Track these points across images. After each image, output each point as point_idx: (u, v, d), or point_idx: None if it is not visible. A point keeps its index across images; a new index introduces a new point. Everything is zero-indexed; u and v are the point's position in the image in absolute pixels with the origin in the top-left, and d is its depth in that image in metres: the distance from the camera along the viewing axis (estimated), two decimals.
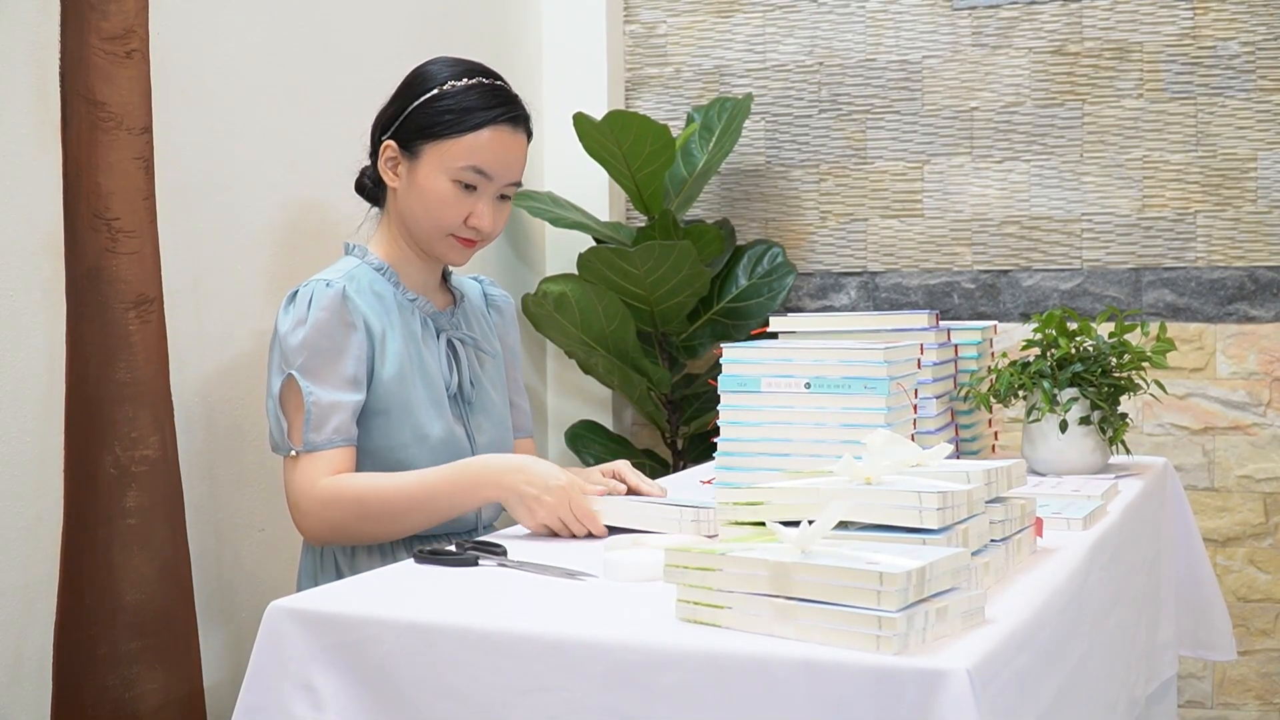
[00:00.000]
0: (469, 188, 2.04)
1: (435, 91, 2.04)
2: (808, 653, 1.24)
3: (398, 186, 2.08)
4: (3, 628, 1.95)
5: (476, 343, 2.16)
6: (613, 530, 1.81)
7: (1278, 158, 3.11)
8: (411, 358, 2.05)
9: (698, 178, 3.28)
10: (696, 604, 1.35)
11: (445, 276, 2.21)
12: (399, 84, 2.11)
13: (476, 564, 1.65)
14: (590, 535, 1.80)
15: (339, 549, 2.04)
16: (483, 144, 2.03)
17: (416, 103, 2.05)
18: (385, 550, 2.03)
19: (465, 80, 2.05)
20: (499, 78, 2.10)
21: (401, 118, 2.06)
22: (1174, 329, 3.13)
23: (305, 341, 1.96)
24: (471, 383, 2.13)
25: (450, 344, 2.12)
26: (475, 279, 2.31)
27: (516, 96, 2.10)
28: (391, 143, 2.07)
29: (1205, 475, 3.17)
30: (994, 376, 2.25)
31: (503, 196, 2.09)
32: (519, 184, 2.10)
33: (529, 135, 2.11)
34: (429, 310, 2.11)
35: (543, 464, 1.85)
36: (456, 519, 2.06)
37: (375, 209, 2.18)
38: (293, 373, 1.96)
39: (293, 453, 1.95)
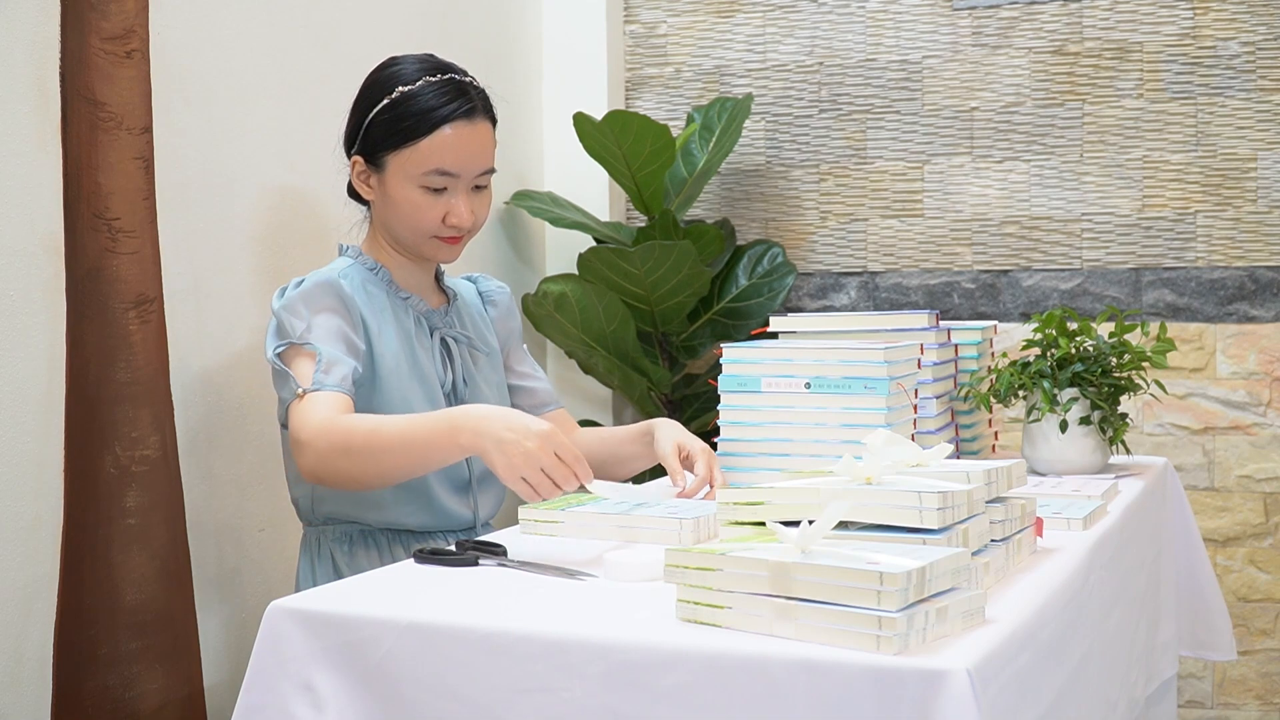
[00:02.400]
0: (439, 190, 2.03)
1: (386, 101, 2.02)
2: (808, 653, 1.24)
3: (373, 199, 2.08)
4: (3, 628, 1.95)
5: (470, 341, 2.16)
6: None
7: (1278, 158, 3.11)
8: (405, 355, 2.05)
9: (698, 178, 3.28)
10: (696, 604, 1.35)
11: (438, 276, 2.21)
12: (355, 95, 2.10)
13: (476, 564, 1.65)
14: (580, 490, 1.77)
15: (336, 545, 2.04)
16: (441, 145, 2.01)
17: (370, 115, 2.04)
18: (383, 549, 2.03)
19: (412, 85, 2.02)
20: (450, 70, 2.07)
21: (361, 132, 2.05)
22: (1174, 329, 3.13)
23: (303, 315, 1.95)
24: (465, 380, 2.13)
25: (444, 342, 2.12)
26: (469, 278, 2.30)
27: (468, 86, 2.05)
28: (358, 158, 2.07)
29: (1205, 475, 3.17)
30: (994, 376, 2.25)
31: (478, 186, 2.07)
32: (492, 170, 2.08)
33: (493, 120, 2.08)
34: (422, 309, 2.11)
35: (525, 415, 1.78)
36: (455, 517, 2.06)
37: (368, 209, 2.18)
38: (293, 341, 1.94)
39: (300, 391, 1.89)
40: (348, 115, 2.10)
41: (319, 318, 1.96)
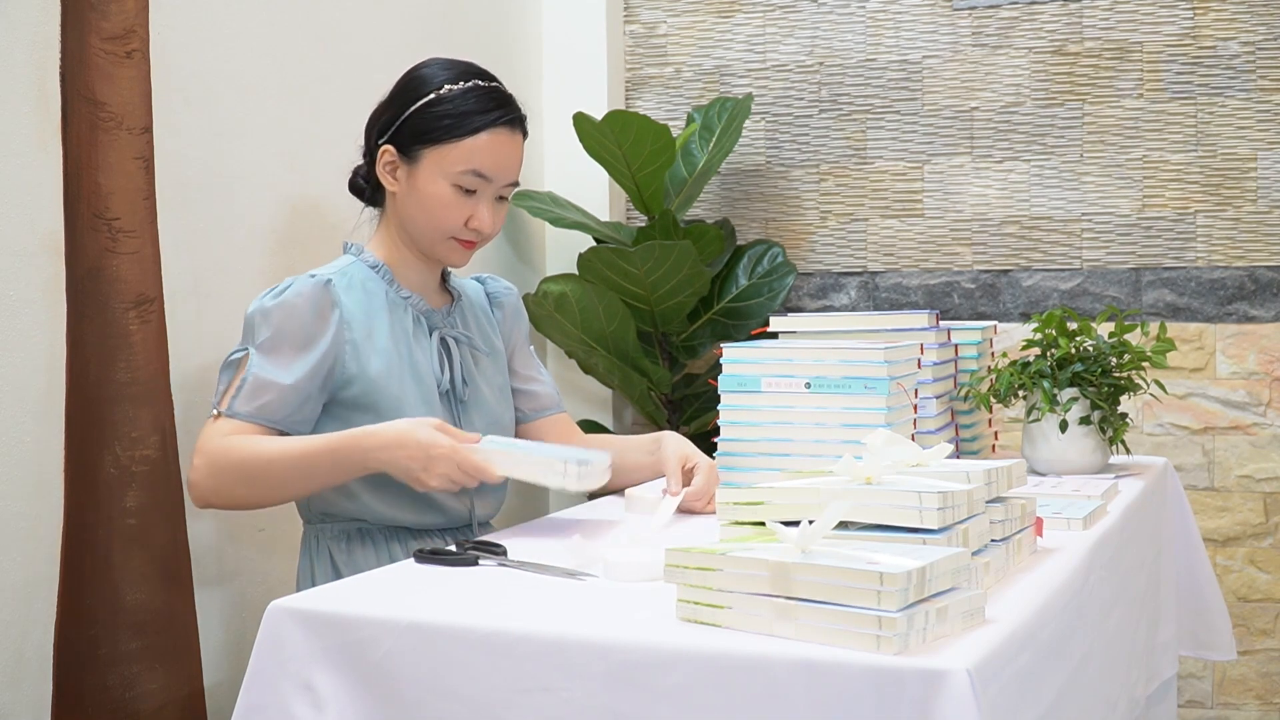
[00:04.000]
0: (469, 191, 2.04)
1: (432, 96, 2.04)
2: (808, 653, 1.24)
3: (397, 191, 2.08)
4: (3, 628, 1.95)
5: (471, 340, 2.16)
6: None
7: (1278, 158, 3.11)
8: (401, 354, 2.05)
9: (698, 178, 3.28)
10: (697, 604, 1.35)
11: (444, 277, 2.21)
12: (393, 87, 2.11)
13: (476, 564, 1.65)
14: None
15: (334, 543, 2.04)
16: (481, 148, 2.03)
17: (413, 108, 2.04)
18: (380, 547, 2.03)
19: (461, 84, 2.05)
20: (494, 79, 2.10)
21: (398, 123, 2.06)
22: (1174, 329, 3.13)
23: (269, 321, 1.97)
24: (465, 380, 2.13)
25: (443, 341, 2.12)
26: (478, 279, 2.30)
27: (512, 97, 2.10)
28: (389, 147, 2.07)
29: (1205, 475, 3.17)
30: (994, 376, 2.25)
31: (500, 197, 2.10)
32: (516, 184, 2.11)
33: (525, 135, 2.12)
34: (422, 308, 2.11)
35: (420, 431, 1.86)
36: (448, 512, 2.06)
37: (370, 209, 2.18)
38: (249, 348, 1.97)
39: (215, 412, 1.95)
40: (379, 106, 2.11)
41: (285, 324, 1.97)
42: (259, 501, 1.98)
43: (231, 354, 1.98)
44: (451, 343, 2.13)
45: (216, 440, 1.92)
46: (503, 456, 1.85)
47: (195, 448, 1.94)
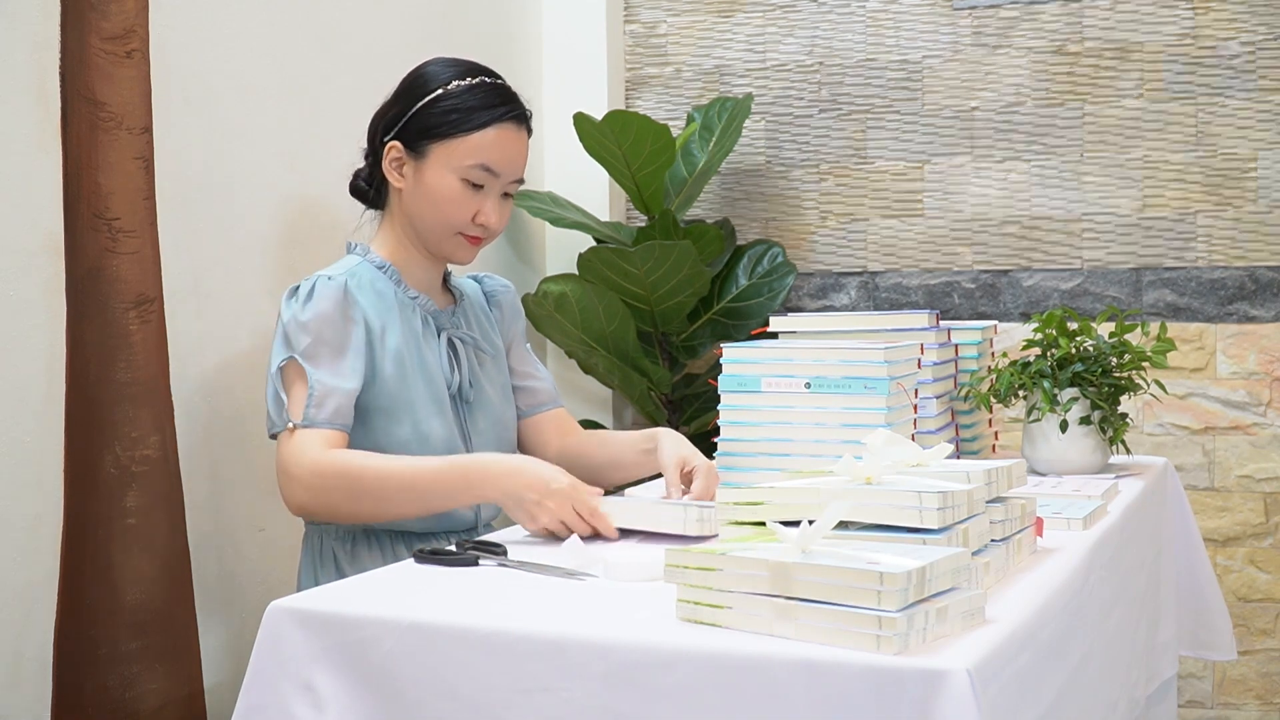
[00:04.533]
0: (476, 186, 2.06)
1: (439, 92, 2.05)
2: (808, 653, 1.24)
3: (404, 187, 2.08)
4: (3, 628, 1.95)
5: (476, 342, 2.17)
6: (622, 532, 1.81)
7: (1278, 158, 3.11)
8: (412, 355, 2.05)
9: (698, 178, 3.28)
10: (697, 604, 1.35)
11: (445, 277, 2.21)
12: (398, 86, 2.11)
13: (476, 564, 1.65)
14: (595, 535, 1.80)
15: (338, 544, 2.04)
16: (489, 142, 2.04)
17: (420, 104, 2.05)
18: (385, 548, 2.04)
19: (468, 80, 2.06)
20: (499, 76, 2.12)
21: (405, 119, 2.06)
22: (1174, 329, 3.13)
23: (309, 329, 1.97)
24: (471, 383, 2.13)
25: (451, 343, 2.12)
26: (474, 278, 2.31)
27: (517, 94, 2.11)
28: (396, 144, 2.07)
29: (1205, 475, 3.17)
30: (994, 376, 2.25)
31: (506, 194, 2.10)
32: (522, 180, 2.12)
33: (530, 133, 2.13)
34: (430, 309, 2.11)
35: (543, 467, 1.85)
36: (456, 518, 2.06)
37: (371, 211, 2.18)
38: (295, 356, 1.96)
39: (291, 425, 1.93)
40: (383, 105, 2.12)
41: (324, 332, 1.97)
42: (362, 516, 1.96)
43: (277, 364, 1.98)
44: (458, 343, 2.13)
45: (315, 452, 1.90)
46: (620, 507, 1.82)
47: (286, 459, 1.92)
